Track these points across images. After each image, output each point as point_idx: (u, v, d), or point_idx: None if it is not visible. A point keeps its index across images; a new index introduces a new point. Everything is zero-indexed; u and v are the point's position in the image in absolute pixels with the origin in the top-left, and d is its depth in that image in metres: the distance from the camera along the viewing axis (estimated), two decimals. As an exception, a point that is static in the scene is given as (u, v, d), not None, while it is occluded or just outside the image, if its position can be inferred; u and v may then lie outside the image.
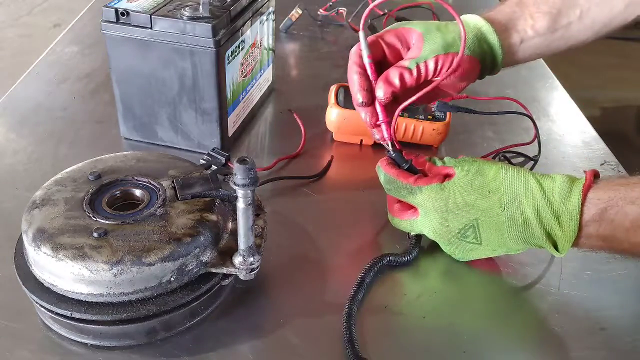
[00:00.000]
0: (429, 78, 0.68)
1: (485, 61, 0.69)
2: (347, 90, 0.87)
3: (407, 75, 0.67)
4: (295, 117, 0.88)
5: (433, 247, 0.67)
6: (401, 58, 0.69)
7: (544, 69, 1.10)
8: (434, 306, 0.61)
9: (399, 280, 0.65)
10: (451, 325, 0.59)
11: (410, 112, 0.84)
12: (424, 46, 0.67)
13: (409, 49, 0.69)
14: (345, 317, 0.58)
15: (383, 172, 0.66)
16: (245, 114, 0.87)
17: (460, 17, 0.66)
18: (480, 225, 0.61)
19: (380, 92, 0.67)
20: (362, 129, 0.84)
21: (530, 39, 0.70)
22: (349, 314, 0.58)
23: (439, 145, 0.85)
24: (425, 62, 0.67)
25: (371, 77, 0.68)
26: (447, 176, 0.63)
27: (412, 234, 0.67)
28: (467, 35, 0.67)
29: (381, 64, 0.70)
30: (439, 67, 0.67)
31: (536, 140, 0.83)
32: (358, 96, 0.68)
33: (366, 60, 0.68)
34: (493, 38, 0.68)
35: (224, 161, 0.69)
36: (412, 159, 0.67)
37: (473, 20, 0.69)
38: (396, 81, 0.67)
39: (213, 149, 0.71)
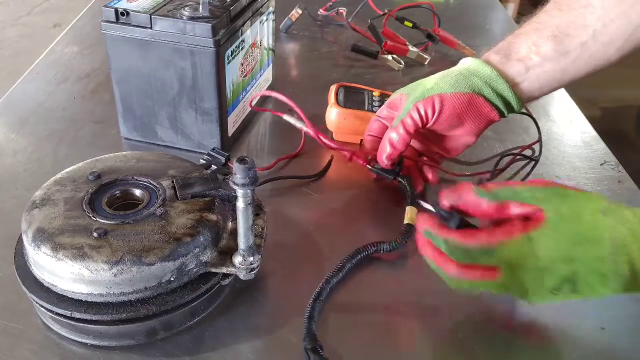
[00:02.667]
0: (421, 128, 0.68)
1: (484, 95, 0.66)
2: (347, 90, 0.87)
3: (394, 135, 0.68)
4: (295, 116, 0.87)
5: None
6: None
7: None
8: (432, 305, 0.61)
9: (397, 277, 0.65)
10: (447, 322, 0.59)
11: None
12: (406, 102, 0.68)
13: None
14: (314, 295, 0.59)
15: (441, 239, 0.53)
16: (245, 114, 0.87)
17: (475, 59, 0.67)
18: (578, 278, 0.51)
19: (381, 162, 0.70)
20: (362, 129, 0.84)
21: (539, 66, 0.65)
22: (319, 293, 0.59)
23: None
24: (408, 113, 0.67)
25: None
26: (529, 219, 0.51)
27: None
28: (451, 74, 0.67)
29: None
30: (423, 114, 0.66)
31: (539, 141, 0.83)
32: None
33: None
34: (486, 70, 0.65)
35: (223, 161, 0.69)
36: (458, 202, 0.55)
37: (462, 62, 0.69)
38: (387, 148, 0.69)
39: (213, 149, 0.71)
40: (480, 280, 0.53)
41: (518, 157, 0.83)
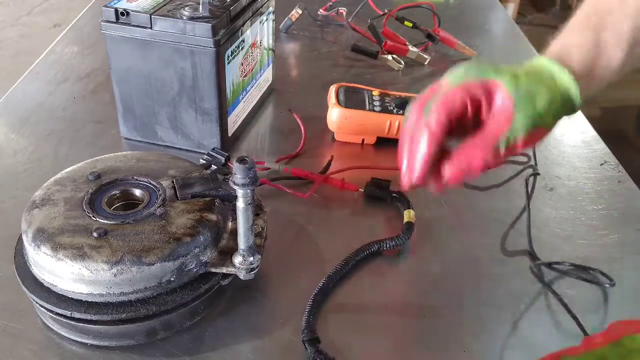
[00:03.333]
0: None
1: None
2: (347, 90, 0.87)
3: (490, 157, 0.53)
4: (295, 116, 0.88)
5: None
6: (479, 118, 0.54)
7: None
8: (432, 303, 0.61)
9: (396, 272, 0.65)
10: (446, 322, 0.59)
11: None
12: (515, 117, 0.52)
13: (490, 106, 0.54)
14: (317, 289, 0.60)
15: None
16: (245, 114, 0.87)
17: (537, 59, 0.56)
18: None
19: (453, 179, 0.54)
20: (364, 129, 0.84)
21: (606, 75, 0.58)
22: (322, 288, 0.60)
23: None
24: (515, 138, 0.53)
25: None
26: None
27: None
28: (556, 103, 0.54)
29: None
30: (527, 144, 0.54)
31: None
32: (416, 170, 0.54)
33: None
34: (577, 97, 0.55)
35: (223, 161, 0.69)
36: None
37: (560, 79, 0.55)
38: (478, 165, 0.53)
39: (213, 149, 0.71)
40: None
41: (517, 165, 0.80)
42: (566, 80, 0.55)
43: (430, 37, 1.11)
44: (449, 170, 0.53)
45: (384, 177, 0.76)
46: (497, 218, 0.73)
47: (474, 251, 0.69)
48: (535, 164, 0.79)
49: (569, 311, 0.60)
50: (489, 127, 0.53)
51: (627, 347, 0.48)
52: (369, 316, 0.60)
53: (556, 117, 0.55)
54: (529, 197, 0.73)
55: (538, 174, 0.77)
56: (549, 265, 0.65)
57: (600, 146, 0.88)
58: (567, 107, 0.55)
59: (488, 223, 0.73)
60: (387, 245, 0.66)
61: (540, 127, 0.53)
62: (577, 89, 0.55)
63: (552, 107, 0.54)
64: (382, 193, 0.74)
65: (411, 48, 1.08)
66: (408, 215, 0.70)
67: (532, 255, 0.67)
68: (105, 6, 0.74)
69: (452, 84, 0.54)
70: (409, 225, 0.68)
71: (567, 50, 0.57)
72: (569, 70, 0.55)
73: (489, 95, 0.53)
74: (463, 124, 0.54)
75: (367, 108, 0.84)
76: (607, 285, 0.63)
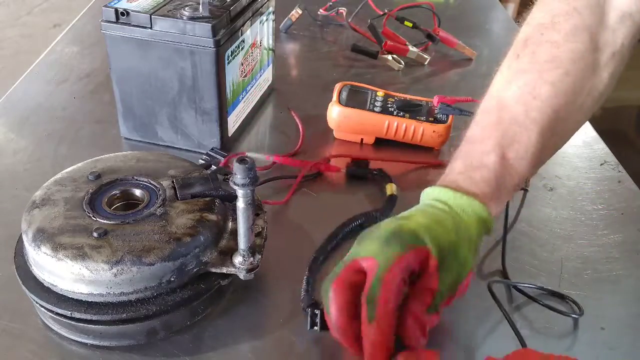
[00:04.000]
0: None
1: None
2: (351, 89, 0.87)
3: (427, 320, 0.51)
4: (293, 114, 0.88)
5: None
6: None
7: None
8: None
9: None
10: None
11: (412, 112, 0.84)
12: (441, 278, 0.52)
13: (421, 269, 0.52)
14: (310, 261, 0.63)
15: None
16: (245, 114, 0.87)
17: (458, 195, 0.55)
18: None
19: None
20: (363, 127, 0.84)
21: (518, 185, 0.60)
22: (315, 259, 0.63)
23: (439, 147, 0.85)
24: (443, 297, 0.52)
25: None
26: None
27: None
28: (478, 238, 0.56)
29: None
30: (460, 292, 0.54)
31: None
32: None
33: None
34: (491, 222, 0.57)
35: (222, 161, 0.69)
36: None
37: (475, 211, 0.55)
38: (421, 339, 0.51)
39: (212, 149, 0.71)
40: None
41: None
42: (479, 211, 0.55)
43: (430, 37, 1.11)
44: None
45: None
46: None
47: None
48: (528, 180, 0.77)
49: (510, 322, 0.58)
50: (421, 294, 0.51)
51: None
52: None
53: (477, 252, 0.56)
54: (507, 215, 0.70)
55: (527, 190, 0.76)
56: (515, 287, 0.63)
57: (600, 146, 0.88)
58: (483, 233, 0.57)
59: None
60: (374, 217, 0.70)
61: (466, 277, 0.54)
62: (489, 214, 0.56)
63: (472, 249, 0.54)
64: (363, 171, 0.79)
65: (411, 48, 1.08)
66: (390, 188, 0.75)
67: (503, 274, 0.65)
68: (105, 6, 0.74)
69: (385, 262, 0.50)
70: (392, 197, 0.73)
71: (470, 175, 0.57)
72: (475, 197, 0.55)
73: (421, 262, 0.51)
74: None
75: (367, 108, 0.84)
76: (576, 317, 0.60)
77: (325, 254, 0.65)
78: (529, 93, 0.59)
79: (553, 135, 0.60)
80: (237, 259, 0.55)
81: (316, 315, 0.55)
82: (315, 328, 0.55)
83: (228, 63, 0.76)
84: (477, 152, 0.59)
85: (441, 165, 0.76)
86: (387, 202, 0.73)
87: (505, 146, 0.58)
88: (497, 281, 0.64)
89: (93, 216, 0.55)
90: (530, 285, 0.63)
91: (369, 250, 0.52)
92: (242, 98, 0.85)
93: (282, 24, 1.18)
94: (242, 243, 0.54)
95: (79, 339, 0.55)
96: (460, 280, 0.53)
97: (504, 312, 0.58)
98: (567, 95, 0.59)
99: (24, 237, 0.55)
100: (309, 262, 0.63)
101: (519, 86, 0.59)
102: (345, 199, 0.76)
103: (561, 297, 0.62)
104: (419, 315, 0.50)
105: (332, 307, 0.51)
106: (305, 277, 0.61)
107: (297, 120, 0.86)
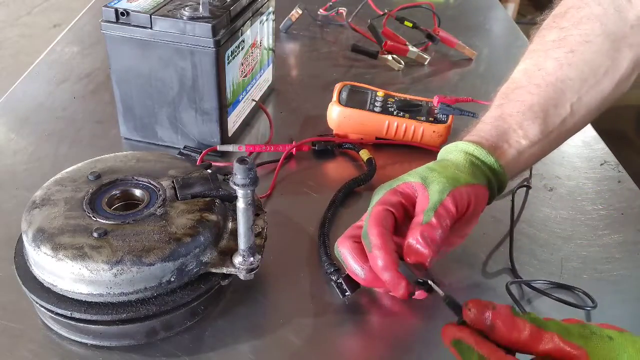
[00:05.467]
0: (454, 222, 0.57)
1: (491, 184, 0.62)
2: (351, 89, 0.87)
3: (428, 234, 0.54)
4: (261, 107, 0.89)
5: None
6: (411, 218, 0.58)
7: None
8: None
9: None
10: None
11: (412, 112, 0.84)
12: (430, 192, 0.57)
13: (413, 206, 0.58)
14: (320, 225, 0.69)
15: (475, 355, 0.44)
16: (245, 114, 0.87)
17: (446, 146, 0.63)
18: None
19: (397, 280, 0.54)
20: (363, 128, 0.84)
21: (528, 148, 0.63)
22: (323, 223, 0.69)
23: (439, 147, 0.84)
24: (443, 204, 0.56)
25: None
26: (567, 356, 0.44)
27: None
28: (464, 164, 0.60)
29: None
30: (459, 205, 0.56)
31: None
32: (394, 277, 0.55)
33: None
34: (491, 160, 0.61)
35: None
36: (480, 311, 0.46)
37: (462, 147, 0.62)
38: (423, 249, 0.54)
39: (185, 147, 0.78)
40: None
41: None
42: (461, 147, 0.62)
43: (430, 37, 1.11)
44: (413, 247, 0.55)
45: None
46: (490, 226, 0.73)
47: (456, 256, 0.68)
48: (530, 176, 0.78)
49: None
50: (416, 212, 0.57)
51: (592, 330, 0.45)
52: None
53: (476, 176, 0.60)
54: (513, 213, 0.71)
55: (530, 187, 0.76)
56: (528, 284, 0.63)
57: (600, 146, 0.88)
58: (480, 165, 0.61)
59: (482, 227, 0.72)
60: (361, 180, 0.76)
61: (463, 186, 0.57)
62: (476, 146, 0.61)
63: (462, 170, 0.59)
64: (330, 144, 0.83)
65: (411, 48, 1.08)
66: (365, 153, 0.80)
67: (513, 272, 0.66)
68: (105, 6, 0.74)
69: (374, 203, 0.59)
70: (370, 160, 0.79)
71: (469, 132, 0.65)
72: (461, 140, 0.63)
73: (407, 194, 0.58)
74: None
75: (367, 108, 0.84)
76: (589, 309, 0.60)
77: (328, 221, 0.70)
78: (534, 65, 0.65)
79: (560, 107, 0.63)
80: (237, 259, 0.55)
81: (341, 281, 0.59)
82: (347, 293, 0.59)
83: (228, 63, 0.76)
84: (482, 117, 0.66)
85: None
86: (367, 164, 0.79)
87: (505, 104, 0.65)
88: (514, 282, 0.64)
89: (93, 216, 0.55)
90: (544, 281, 0.63)
91: (371, 203, 0.60)
92: (242, 98, 0.85)
93: (282, 24, 1.18)
94: (242, 243, 0.54)
95: (79, 339, 0.55)
96: (446, 190, 0.56)
97: (523, 311, 0.59)
98: (573, 68, 0.63)
99: (24, 237, 0.55)
100: (319, 231, 0.68)
101: (526, 63, 0.67)
102: (346, 200, 0.76)
103: (569, 289, 0.63)
104: (414, 228, 0.55)
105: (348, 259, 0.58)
106: (319, 242, 0.66)
107: (266, 113, 0.88)
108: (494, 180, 0.62)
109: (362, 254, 0.57)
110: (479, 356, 0.44)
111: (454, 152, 0.62)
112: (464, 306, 0.46)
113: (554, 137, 0.65)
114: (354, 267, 0.57)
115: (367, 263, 0.56)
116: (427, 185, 0.58)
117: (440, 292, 0.51)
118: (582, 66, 0.63)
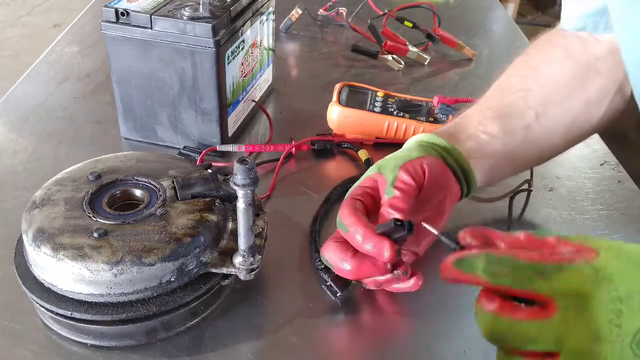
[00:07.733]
0: (416, 192, 0.59)
1: (446, 160, 0.62)
2: (351, 89, 0.87)
3: (394, 203, 0.57)
4: (261, 107, 0.89)
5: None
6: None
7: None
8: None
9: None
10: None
11: (412, 113, 0.84)
12: (385, 175, 0.60)
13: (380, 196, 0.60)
14: (312, 221, 0.70)
15: (480, 256, 0.41)
16: (245, 114, 0.87)
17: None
18: None
19: (387, 251, 0.54)
20: (363, 128, 0.84)
21: (488, 144, 0.64)
22: (315, 218, 0.70)
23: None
24: (398, 178, 0.58)
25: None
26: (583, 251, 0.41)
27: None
28: (412, 146, 0.63)
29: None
30: (414, 174, 0.59)
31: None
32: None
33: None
34: (442, 142, 0.63)
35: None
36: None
37: (414, 138, 0.65)
38: (396, 213, 0.57)
39: (184, 147, 0.75)
40: (528, 319, 0.39)
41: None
42: (417, 138, 0.65)
43: (430, 37, 1.11)
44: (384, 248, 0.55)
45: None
46: (490, 226, 0.73)
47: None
48: (531, 178, 0.76)
49: None
50: (381, 199, 0.60)
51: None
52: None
53: (427, 151, 0.62)
54: (510, 215, 0.71)
55: (531, 190, 0.75)
56: None
57: (600, 146, 0.88)
58: (428, 146, 0.63)
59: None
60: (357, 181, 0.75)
61: (413, 160, 0.60)
62: (429, 137, 0.64)
63: (411, 150, 0.62)
64: (329, 143, 0.83)
65: (411, 48, 1.08)
66: (363, 154, 0.80)
67: None
68: (106, 6, 0.74)
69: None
70: (368, 161, 0.79)
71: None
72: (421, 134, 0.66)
73: (372, 187, 0.61)
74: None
75: (367, 108, 0.84)
76: None
77: (320, 219, 0.70)
78: (499, 82, 0.71)
79: (523, 112, 0.66)
80: (237, 259, 0.55)
81: (330, 283, 0.59)
82: (338, 294, 0.59)
83: (228, 63, 0.76)
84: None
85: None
86: (365, 165, 0.79)
87: (466, 111, 0.69)
88: None
89: (93, 216, 0.55)
90: None
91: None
92: (242, 98, 0.85)
93: (282, 24, 1.18)
94: (242, 243, 0.54)
95: (79, 339, 0.55)
96: (397, 167, 0.60)
97: None
98: (535, 81, 0.68)
99: (24, 237, 0.55)
100: (312, 222, 0.69)
101: (493, 84, 0.71)
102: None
103: None
104: (382, 206, 0.59)
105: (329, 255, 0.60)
106: (311, 237, 0.66)
107: (266, 114, 0.88)
108: (450, 158, 0.63)
109: (344, 248, 0.58)
110: (487, 258, 0.41)
111: (407, 143, 0.66)
112: (459, 235, 0.45)
113: (520, 139, 0.66)
114: (338, 261, 0.57)
115: (349, 253, 0.57)
116: (382, 172, 0.61)
117: (434, 230, 0.48)
118: (543, 80, 0.68)
